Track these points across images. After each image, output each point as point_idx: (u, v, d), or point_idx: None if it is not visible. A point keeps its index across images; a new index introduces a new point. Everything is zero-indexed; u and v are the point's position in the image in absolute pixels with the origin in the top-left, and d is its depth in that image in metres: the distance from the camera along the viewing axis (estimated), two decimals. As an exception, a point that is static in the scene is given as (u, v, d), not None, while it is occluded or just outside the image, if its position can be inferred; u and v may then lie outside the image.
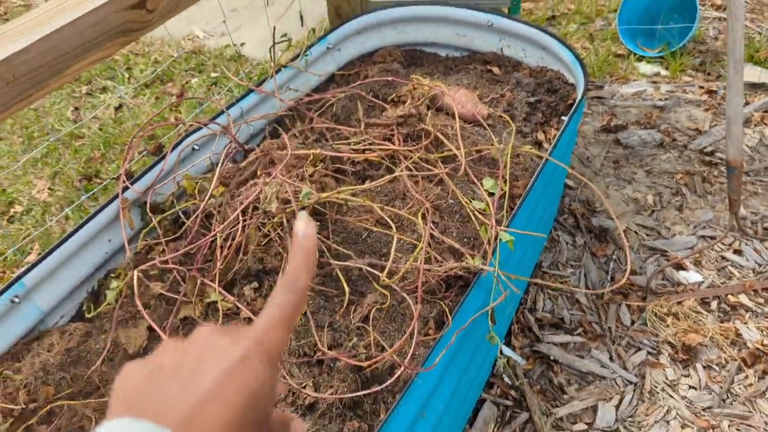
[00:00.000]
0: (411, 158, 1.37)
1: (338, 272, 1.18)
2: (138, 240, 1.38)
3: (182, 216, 1.37)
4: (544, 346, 1.73)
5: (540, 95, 1.69)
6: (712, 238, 2.00)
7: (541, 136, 1.62)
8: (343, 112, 1.62)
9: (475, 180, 1.35)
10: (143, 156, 1.80)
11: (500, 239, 1.16)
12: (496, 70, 1.80)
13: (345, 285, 1.15)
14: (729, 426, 1.54)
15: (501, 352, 1.68)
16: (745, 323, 1.75)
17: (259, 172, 1.30)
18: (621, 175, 2.25)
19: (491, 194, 1.34)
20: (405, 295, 1.12)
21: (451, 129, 1.44)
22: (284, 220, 1.20)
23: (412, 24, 1.91)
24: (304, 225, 0.44)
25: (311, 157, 1.30)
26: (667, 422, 1.56)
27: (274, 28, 1.64)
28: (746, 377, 1.63)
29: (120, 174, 1.36)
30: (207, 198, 1.29)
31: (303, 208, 1.21)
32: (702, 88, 2.60)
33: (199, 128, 1.50)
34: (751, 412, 1.56)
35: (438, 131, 1.41)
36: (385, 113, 1.48)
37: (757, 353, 1.66)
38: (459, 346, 1.10)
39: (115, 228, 1.36)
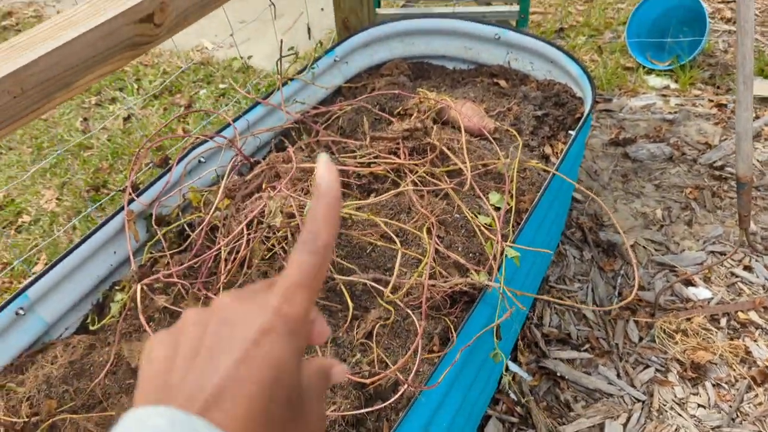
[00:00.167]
0: (416, 172, 1.36)
1: (342, 287, 1.17)
2: (143, 252, 1.38)
3: (187, 228, 1.37)
4: (551, 362, 1.71)
5: (547, 109, 1.68)
6: (722, 253, 1.98)
7: (548, 150, 1.61)
8: (350, 125, 1.62)
9: (481, 194, 1.34)
10: (150, 168, 1.80)
11: (506, 255, 1.15)
12: (503, 83, 1.79)
13: (349, 300, 1.15)
14: (739, 446, 1.52)
15: (507, 369, 1.67)
16: (755, 341, 1.72)
17: (264, 186, 1.30)
18: (629, 189, 2.23)
19: (497, 209, 1.33)
20: (409, 311, 1.11)
21: (457, 143, 1.44)
22: (289, 234, 1.20)
23: (420, 37, 1.92)
24: (326, 171, 0.38)
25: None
26: (676, 441, 1.54)
27: (281, 41, 1.64)
28: (756, 396, 1.61)
29: (126, 186, 1.37)
30: (212, 211, 1.29)
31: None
32: (711, 101, 2.58)
33: (206, 141, 1.50)
34: (761, 431, 1.54)
35: (444, 145, 1.41)
36: (391, 127, 1.48)
37: (767, 371, 1.64)
38: (464, 363, 1.09)
39: (120, 240, 1.36)
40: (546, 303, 1.86)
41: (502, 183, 1.39)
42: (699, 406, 1.61)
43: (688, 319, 1.78)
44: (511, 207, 1.32)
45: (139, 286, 1.13)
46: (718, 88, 2.67)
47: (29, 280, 1.22)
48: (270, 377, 0.33)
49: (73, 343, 1.22)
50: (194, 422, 0.31)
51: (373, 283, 1.17)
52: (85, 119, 2.78)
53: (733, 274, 1.92)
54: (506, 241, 1.18)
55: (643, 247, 2.02)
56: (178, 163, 1.44)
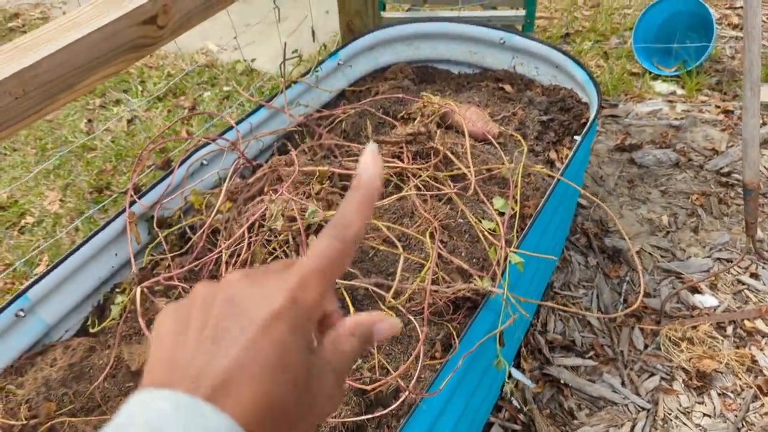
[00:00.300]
0: (420, 176, 1.35)
1: (343, 291, 1.16)
2: (144, 254, 1.37)
3: (189, 231, 1.36)
4: (555, 369, 1.69)
5: (553, 114, 1.67)
6: (729, 261, 1.96)
7: (553, 155, 1.59)
8: (353, 129, 1.61)
9: (485, 199, 1.33)
10: (152, 170, 1.80)
11: (510, 261, 1.13)
12: (508, 87, 1.78)
13: (350, 305, 1.13)
14: (745, 456, 1.50)
15: (510, 376, 1.65)
16: (761, 349, 1.70)
17: (266, 189, 1.29)
18: (635, 195, 2.22)
19: (501, 214, 1.31)
20: (411, 317, 1.10)
21: (461, 147, 1.43)
22: (290, 238, 1.19)
23: (425, 40, 1.91)
24: (371, 161, 0.37)
25: (318, 174, 1.29)
26: (681, 450, 1.52)
27: (285, 44, 1.64)
28: (762, 405, 1.59)
29: (128, 188, 1.36)
30: (213, 214, 1.28)
31: (310, 229, 1.19)
32: (718, 107, 2.57)
33: (208, 143, 1.49)
34: (767, 441, 1.52)
35: (447, 149, 1.40)
36: (395, 131, 1.47)
37: (774, 381, 1.62)
38: (466, 369, 1.08)
39: (121, 242, 1.35)
40: (550, 309, 1.84)
41: (506, 188, 1.38)
42: (704, 415, 1.59)
43: (694, 327, 1.76)
44: (516, 212, 1.31)
45: (138, 289, 1.13)
46: (725, 94, 2.65)
47: (30, 281, 1.21)
48: (276, 362, 0.33)
49: (73, 345, 1.21)
50: (200, 406, 0.31)
51: (375, 288, 1.15)
52: (90, 121, 2.79)
53: (739, 281, 1.90)
54: (510, 247, 1.17)
55: (649, 253, 2.00)
56: (180, 165, 1.44)
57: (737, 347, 1.72)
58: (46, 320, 1.24)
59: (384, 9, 2.27)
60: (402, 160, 1.39)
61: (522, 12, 2.23)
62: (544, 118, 1.64)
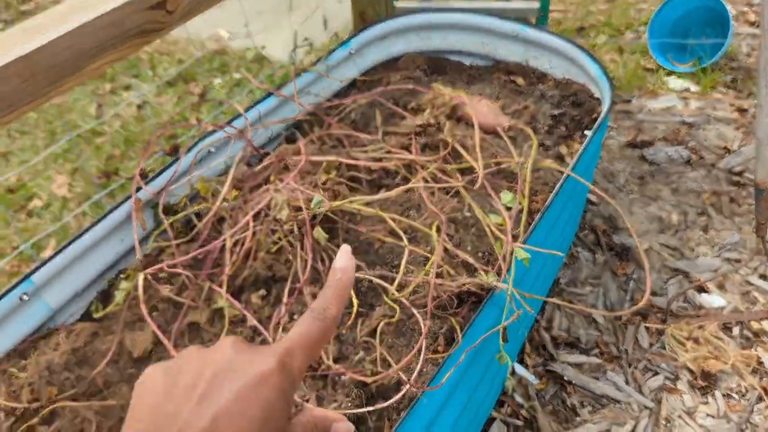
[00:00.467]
0: (428, 168, 1.34)
1: (348, 283, 1.15)
2: (150, 240, 1.37)
3: (194, 219, 1.36)
4: (559, 365, 1.68)
5: (564, 108, 1.65)
6: (738, 261, 1.94)
7: (563, 149, 1.58)
8: (362, 119, 1.60)
9: (493, 193, 1.32)
10: (160, 156, 1.80)
11: (516, 256, 1.12)
12: (520, 80, 1.76)
13: (354, 297, 1.13)
14: (748, 458, 1.48)
15: (513, 371, 1.64)
16: (769, 351, 1.69)
17: (272, 178, 1.29)
18: (645, 192, 2.19)
19: (509, 208, 1.30)
20: (414, 310, 1.09)
21: (470, 140, 1.41)
22: (295, 228, 1.18)
23: (437, 31, 1.89)
24: (344, 260, 0.45)
25: (324, 164, 1.28)
26: (684, 451, 1.51)
27: (296, 32, 1.62)
28: (766, 407, 1.57)
29: (135, 174, 1.36)
30: (219, 201, 1.28)
31: (315, 219, 1.19)
32: (732, 105, 2.53)
33: (215, 130, 1.49)
34: (772, 444, 1.50)
35: (457, 142, 1.38)
36: (404, 122, 1.45)
37: (780, 383, 1.60)
38: (469, 364, 1.07)
39: (127, 228, 1.35)
40: (556, 305, 1.83)
41: (514, 182, 1.36)
42: (708, 415, 1.57)
43: (700, 327, 1.75)
44: (523, 207, 1.30)
45: (141, 276, 1.12)
46: (740, 92, 2.61)
47: (35, 265, 1.21)
48: (261, 417, 0.36)
49: (77, 330, 1.21)
50: None
51: (379, 281, 1.15)
52: (100, 106, 2.79)
53: (747, 282, 1.88)
54: (517, 242, 1.15)
55: (657, 252, 1.98)
56: (187, 152, 1.43)
57: (743, 348, 1.70)
58: (50, 304, 1.25)
59: (397, -1, 2.24)
60: (410, 152, 1.38)
61: (536, 4, 2.20)
62: (556, 112, 1.62)
